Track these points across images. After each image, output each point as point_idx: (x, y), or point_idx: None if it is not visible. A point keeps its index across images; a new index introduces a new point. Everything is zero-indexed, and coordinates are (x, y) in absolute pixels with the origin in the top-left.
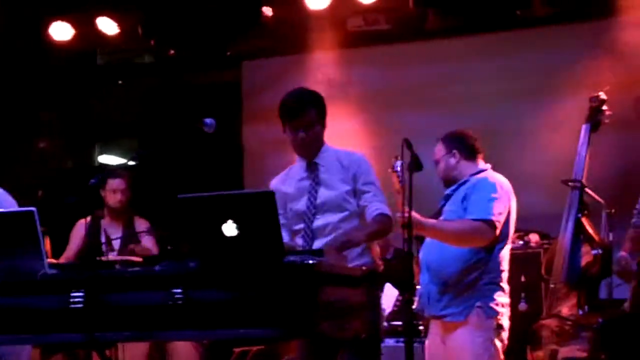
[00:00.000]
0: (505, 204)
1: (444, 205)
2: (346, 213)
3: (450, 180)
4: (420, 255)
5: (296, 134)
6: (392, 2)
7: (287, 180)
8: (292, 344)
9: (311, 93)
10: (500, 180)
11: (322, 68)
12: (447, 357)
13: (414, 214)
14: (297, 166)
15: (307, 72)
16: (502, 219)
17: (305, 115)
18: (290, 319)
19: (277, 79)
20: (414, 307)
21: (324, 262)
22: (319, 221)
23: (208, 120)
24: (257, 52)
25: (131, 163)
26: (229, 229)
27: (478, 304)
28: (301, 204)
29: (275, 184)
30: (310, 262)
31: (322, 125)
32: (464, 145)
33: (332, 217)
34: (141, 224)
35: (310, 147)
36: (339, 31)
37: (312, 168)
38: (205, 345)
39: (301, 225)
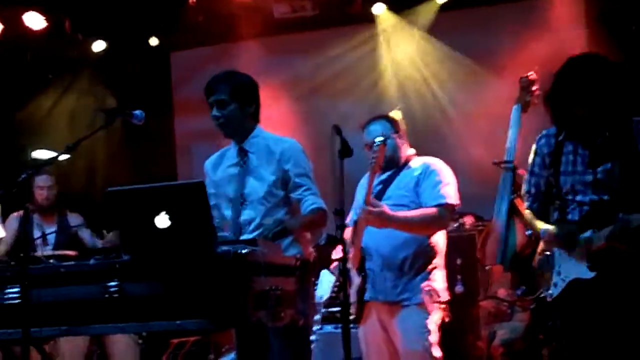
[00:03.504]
0: (456, 188)
1: (381, 189)
2: (270, 205)
3: (392, 162)
4: (366, 241)
5: (212, 111)
6: None
7: (218, 166)
8: (231, 333)
9: (230, 73)
10: (445, 165)
11: (249, 56)
12: (391, 342)
13: (385, 207)
14: (231, 150)
15: (234, 60)
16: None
17: (215, 92)
18: (224, 309)
19: (206, 69)
20: (366, 294)
21: (257, 252)
22: (245, 214)
23: (137, 113)
24: (184, 43)
25: (62, 157)
26: (162, 220)
27: (428, 287)
28: (230, 190)
29: (206, 166)
30: (243, 251)
31: (240, 106)
32: (403, 129)
33: (256, 212)
34: (75, 219)
35: (225, 127)
36: (266, 19)
37: (241, 154)
38: (143, 337)
39: (229, 213)
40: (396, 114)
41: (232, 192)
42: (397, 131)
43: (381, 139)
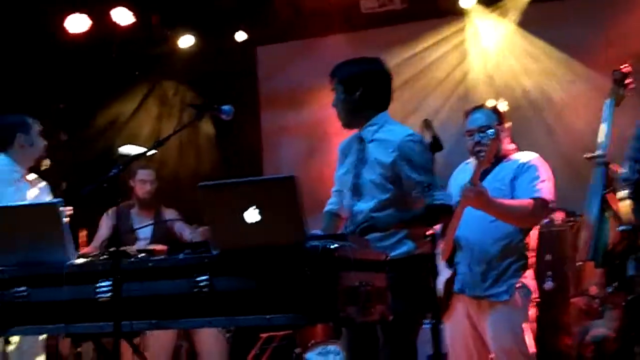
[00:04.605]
0: (552, 185)
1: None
2: (381, 199)
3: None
4: (459, 234)
5: None
6: None
7: (347, 151)
8: (319, 328)
9: (349, 60)
10: (545, 162)
11: (336, 51)
12: (480, 339)
13: (483, 189)
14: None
15: (320, 55)
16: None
17: (331, 81)
18: (313, 304)
19: (292, 64)
20: (454, 287)
21: (346, 247)
22: (357, 205)
23: (226, 108)
24: (271, 37)
25: (150, 152)
26: (251, 215)
27: (519, 283)
28: (348, 179)
29: (339, 148)
30: (332, 246)
31: (345, 91)
32: (508, 122)
33: (366, 204)
34: (169, 214)
35: (337, 112)
36: (353, 13)
37: (360, 143)
38: (232, 331)
39: (347, 202)
40: (503, 106)
41: (350, 182)
42: (500, 122)
43: (493, 130)
